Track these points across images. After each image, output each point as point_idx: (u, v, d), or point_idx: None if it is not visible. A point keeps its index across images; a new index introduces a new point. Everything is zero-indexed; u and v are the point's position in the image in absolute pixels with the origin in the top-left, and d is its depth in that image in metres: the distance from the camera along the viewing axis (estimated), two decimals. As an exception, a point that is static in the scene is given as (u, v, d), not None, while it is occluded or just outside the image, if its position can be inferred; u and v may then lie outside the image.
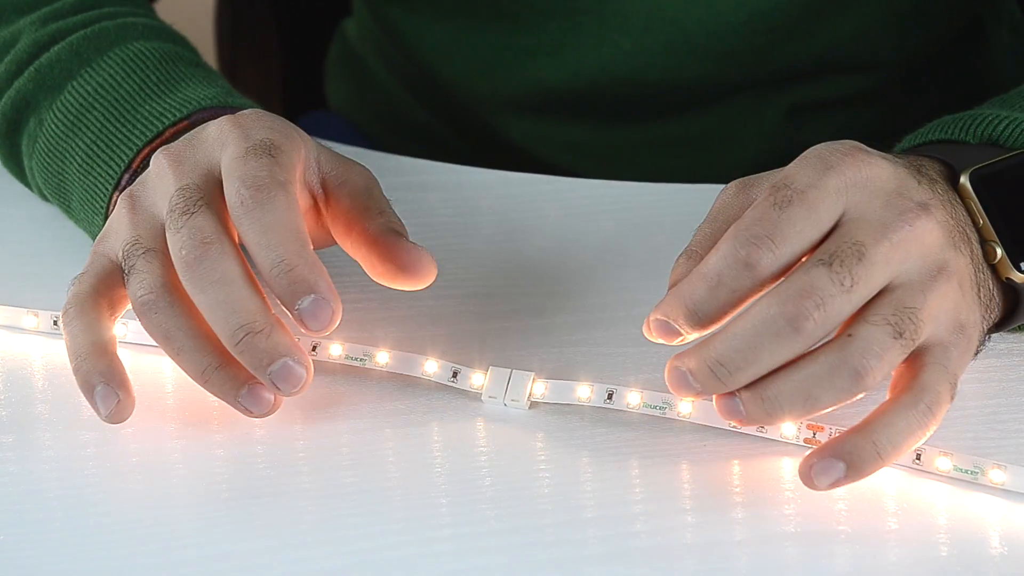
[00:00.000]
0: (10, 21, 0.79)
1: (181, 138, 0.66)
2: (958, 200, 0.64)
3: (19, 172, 0.79)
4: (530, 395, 0.66)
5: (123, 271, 0.64)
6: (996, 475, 0.61)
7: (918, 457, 0.62)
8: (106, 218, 0.71)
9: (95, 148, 0.72)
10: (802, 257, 0.59)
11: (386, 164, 0.83)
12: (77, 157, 0.73)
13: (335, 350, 0.68)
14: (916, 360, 0.59)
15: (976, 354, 0.63)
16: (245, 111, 0.66)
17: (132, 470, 0.63)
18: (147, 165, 0.67)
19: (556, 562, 0.58)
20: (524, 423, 0.65)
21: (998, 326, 0.66)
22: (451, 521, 0.60)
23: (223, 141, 0.64)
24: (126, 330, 0.70)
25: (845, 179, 0.59)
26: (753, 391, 0.58)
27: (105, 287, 0.64)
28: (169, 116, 0.72)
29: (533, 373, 0.67)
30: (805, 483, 0.59)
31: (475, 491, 0.62)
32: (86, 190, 0.73)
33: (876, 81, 0.96)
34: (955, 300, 0.60)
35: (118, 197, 0.68)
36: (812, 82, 0.94)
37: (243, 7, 1.19)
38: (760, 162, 0.75)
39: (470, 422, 0.65)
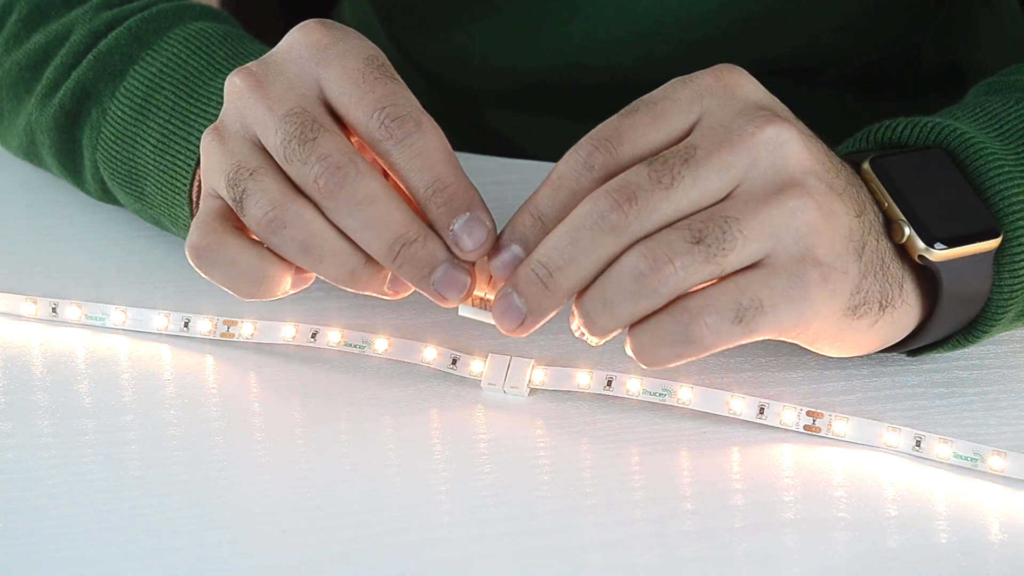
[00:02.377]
0: (59, 14, 0.76)
1: (256, 61, 0.62)
2: (857, 176, 0.61)
3: (74, 170, 0.76)
4: (530, 382, 0.66)
5: (235, 202, 0.60)
6: (996, 462, 0.61)
7: (918, 444, 0.62)
8: (190, 199, 0.69)
9: (168, 128, 0.70)
10: None
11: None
12: (150, 140, 0.70)
13: (334, 337, 0.68)
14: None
15: (859, 329, 0.60)
16: (319, 19, 0.62)
17: (131, 457, 0.63)
18: None
19: (556, 549, 0.58)
20: (523, 410, 0.65)
21: (926, 333, 0.63)
22: (450, 508, 0.60)
23: (319, 57, 0.61)
24: (125, 317, 0.70)
25: (701, 88, 0.57)
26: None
27: (224, 219, 0.61)
28: None
29: (533, 360, 0.67)
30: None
31: (474, 478, 0.62)
32: (163, 172, 0.70)
33: (857, 77, 0.95)
34: (810, 224, 0.56)
35: (200, 172, 0.66)
36: (790, 77, 0.94)
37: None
38: None
39: (469, 409, 0.65)
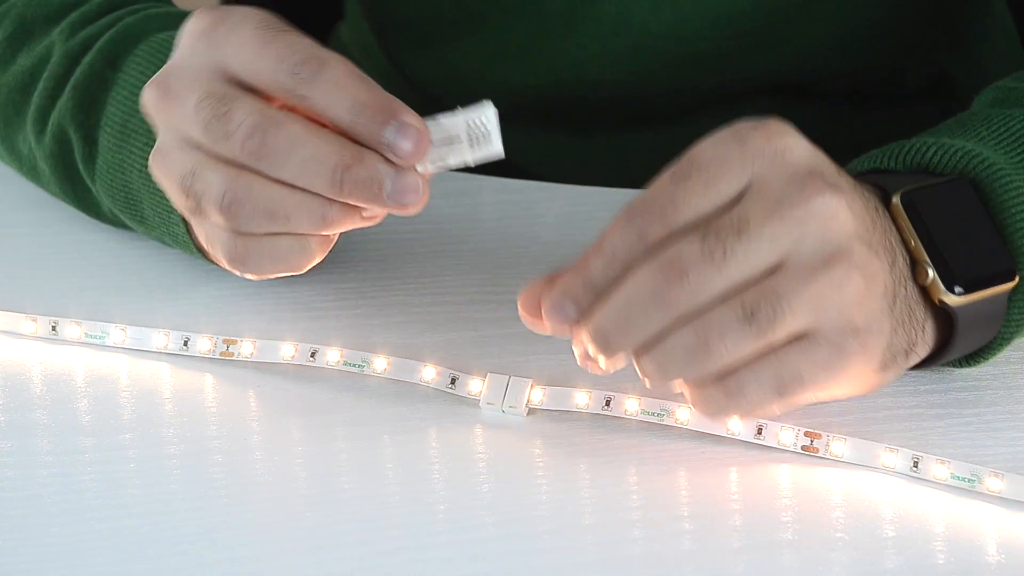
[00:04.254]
0: (42, 32, 0.77)
1: (160, 70, 0.64)
2: (887, 215, 0.61)
3: (78, 198, 0.76)
4: (528, 402, 0.66)
5: (195, 208, 0.62)
6: (993, 483, 0.61)
7: (916, 464, 0.62)
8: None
9: (148, 149, 0.69)
10: None
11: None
12: (136, 165, 0.71)
13: (333, 356, 0.68)
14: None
15: (883, 378, 0.61)
16: (201, 8, 0.64)
17: (130, 476, 0.63)
18: None
19: (554, 569, 0.58)
20: (522, 430, 0.65)
21: (932, 360, 0.64)
22: (449, 527, 0.60)
23: (212, 40, 0.62)
24: (124, 335, 0.70)
25: (751, 151, 0.57)
26: (598, 345, 0.58)
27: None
28: None
29: (531, 380, 0.67)
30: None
31: (473, 497, 0.62)
32: (154, 193, 0.70)
33: (852, 95, 0.96)
34: (854, 296, 0.57)
35: None
36: (786, 94, 0.94)
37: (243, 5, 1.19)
38: None
39: (468, 428, 0.66)
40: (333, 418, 0.66)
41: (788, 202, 0.56)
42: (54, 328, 0.71)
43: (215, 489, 0.62)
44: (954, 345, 0.63)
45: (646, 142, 0.96)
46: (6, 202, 0.81)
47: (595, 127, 0.96)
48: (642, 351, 0.58)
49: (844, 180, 0.59)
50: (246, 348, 0.69)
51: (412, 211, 0.61)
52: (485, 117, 0.61)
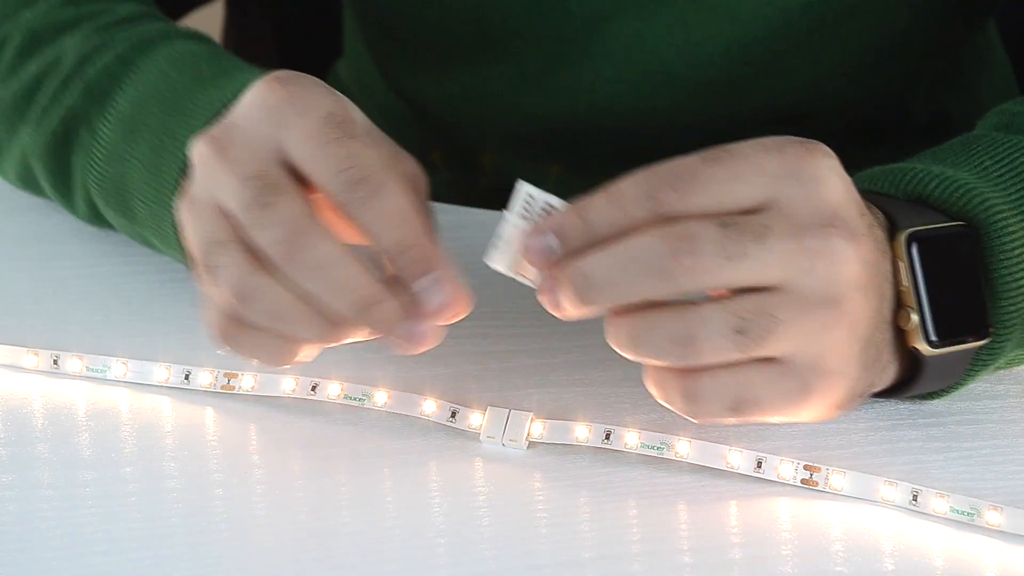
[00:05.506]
0: (53, 41, 0.77)
1: (218, 123, 0.62)
2: (889, 252, 0.61)
3: (66, 193, 0.76)
4: (528, 435, 0.66)
5: (208, 272, 0.61)
6: (992, 517, 0.61)
7: (915, 498, 0.62)
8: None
9: (156, 144, 0.70)
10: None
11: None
12: (138, 158, 0.70)
13: (333, 390, 0.68)
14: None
15: (834, 414, 0.60)
16: (278, 73, 0.62)
17: (131, 509, 0.63)
18: None
19: (554, 602, 0.58)
20: (522, 463, 0.65)
21: (893, 392, 0.65)
22: (449, 561, 0.60)
23: (277, 118, 0.60)
24: (126, 369, 0.70)
25: (787, 168, 0.56)
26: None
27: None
28: (230, 96, 0.69)
29: (531, 413, 0.67)
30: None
31: (473, 531, 0.62)
32: (151, 187, 0.70)
33: (859, 125, 0.96)
34: (834, 344, 0.58)
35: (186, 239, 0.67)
36: (796, 123, 0.95)
37: (244, 44, 1.19)
38: None
39: (468, 462, 0.66)
40: (334, 451, 0.66)
41: (810, 232, 0.56)
42: (56, 362, 0.71)
43: (216, 523, 0.62)
44: (915, 386, 0.64)
45: None
46: (9, 236, 0.81)
47: (605, 155, 0.96)
48: (620, 315, 0.57)
49: (865, 224, 0.59)
50: (247, 382, 0.69)
51: (416, 352, 0.60)
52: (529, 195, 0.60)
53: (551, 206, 0.59)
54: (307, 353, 0.63)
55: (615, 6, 0.88)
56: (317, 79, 0.62)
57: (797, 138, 0.58)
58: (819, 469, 0.64)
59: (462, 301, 0.60)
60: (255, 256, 0.60)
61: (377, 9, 0.98)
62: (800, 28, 0.88)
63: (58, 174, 0.76)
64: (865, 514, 0.62)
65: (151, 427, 0.68)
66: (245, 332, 0.61)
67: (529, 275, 0.60)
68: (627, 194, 0.57)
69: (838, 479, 0.63)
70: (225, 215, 0.61)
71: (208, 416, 0.68)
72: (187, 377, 0.70)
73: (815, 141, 0.58)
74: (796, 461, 0.64)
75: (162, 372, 0.70)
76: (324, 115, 0.60)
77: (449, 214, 0.84)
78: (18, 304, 0.77)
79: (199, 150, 0.62)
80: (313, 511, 0.63)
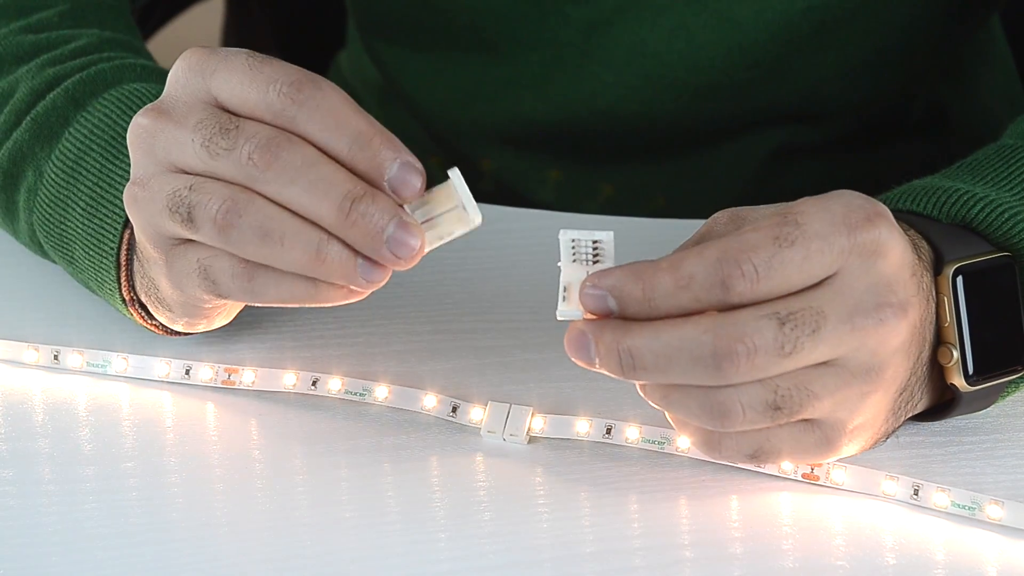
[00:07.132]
0: (9, 71, 0.75)
1: (151, 103, 0.62)
2: (934, 295, 0.61)
3: (14, 231, 0.75)
4: (529, 430, 0.66)
5: (185, 221, 0.59)
6: (994, 511, 0.61)
7: (916, 492, 0.62)
8: (117, 262, 0.68)
9: (96, 191, 0.69)
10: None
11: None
12: (79, 204, 0.69)
13: (334, 384, 0.68)
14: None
15: (852, 454, 0.61)
16: (185, 52, 0.61)
17: (132, 504, 0.63)
18: None
19: (555, 597, 0.58)
20: (523, 458, 0.65)
21: (920, 419, 0.65)
22: (450, 555, 0.60)
23: (203, 72, 0.59)
24: (126, 364, 0.70)
25: (854, 244, 0.56)
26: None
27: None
28: None
29: (532, 408, 0.67)
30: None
31: (474, 526, 0.62)
32: (91, 235, 0.69)
33: (861, 125, 0.96)
34: (867, 409, 0.58)
35: (128, 235, 0.67)
36: (796, 125, 0.94)
37: (244, 37, 1.19)
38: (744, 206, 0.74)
39: (469, 457, 0.66)
40: (334, 446, 0.66)
41: (863, 312, 0.56)
42: (56, 357, 0.71)
43: (216, 517, 0.62)
44: (946, 415, 0.64)
45: (655, 173, 0.96)
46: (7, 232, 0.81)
47: (606, 159, 0.96)
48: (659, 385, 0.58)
49: (915, 284, 0.58)
50: (247, 377, 0.69)
51: (402, 266, 0.58)
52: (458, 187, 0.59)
53: (597, 242, 0.57)
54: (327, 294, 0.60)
55: (614, 12, 0.88)
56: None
57: (858, 201, 0.57)
58: (820, 463, 0.63)
59: (423, 180, 0.58)
60: (232, 185, 0.58)
61: (376, 11, 0.98)
62: (801, 32, 0.88)
63: (6, 210, 0.74)
64: (866, 508, 0.62)
65: (152, 422, 0.68)
66: (256, 267, 0.59)
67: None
68: (697, 279, 0.55)
69: (839, 473, 0.63)
70: (183, 172, 0.59)
71: (209, 411, 0.69)
72: (187, 372, 0.70)
73: (876, 203, 0.57)
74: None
75: (162, 367, 0.70)
76: (244, 55, 0.59)
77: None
78: (18, 299, 0.77)
79: (138, 123, 0.61)
80: (314, 506, 0.63)
